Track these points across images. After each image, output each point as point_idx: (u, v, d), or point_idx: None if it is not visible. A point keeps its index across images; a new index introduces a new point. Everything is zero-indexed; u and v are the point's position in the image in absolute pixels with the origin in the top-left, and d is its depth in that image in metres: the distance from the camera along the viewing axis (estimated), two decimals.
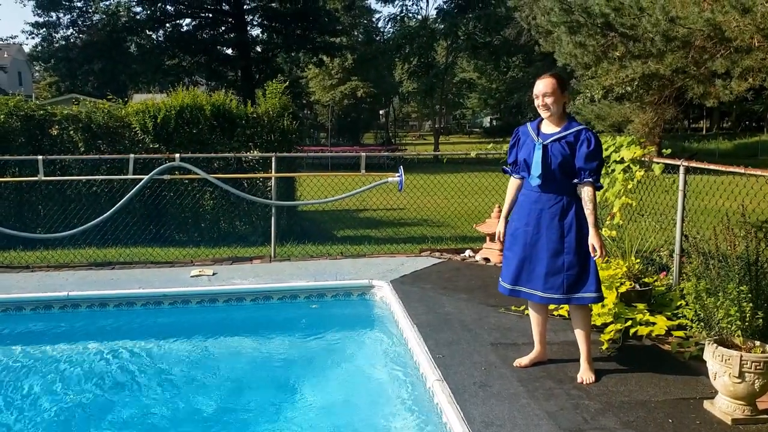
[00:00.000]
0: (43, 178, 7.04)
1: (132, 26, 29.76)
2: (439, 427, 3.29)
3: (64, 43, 31.11)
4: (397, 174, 6.80)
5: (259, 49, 32.35)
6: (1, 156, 7.43)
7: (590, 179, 3.46)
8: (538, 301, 3.65)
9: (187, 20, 30.89)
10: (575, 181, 3.51)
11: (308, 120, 39.39)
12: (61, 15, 30.52)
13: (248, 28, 30.84)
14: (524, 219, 3.60)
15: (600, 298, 3.56)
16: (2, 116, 8.19)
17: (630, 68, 8.06)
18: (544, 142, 3.52)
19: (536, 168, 3.51)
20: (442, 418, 3.29)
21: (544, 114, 3.56)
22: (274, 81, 9.43)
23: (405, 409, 3.66)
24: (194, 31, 30.65)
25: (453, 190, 8.44)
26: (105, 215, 6.86)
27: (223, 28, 30.83)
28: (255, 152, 8.70)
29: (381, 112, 47.78)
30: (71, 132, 8.50)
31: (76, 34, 31.42)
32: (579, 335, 3.63)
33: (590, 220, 3.48)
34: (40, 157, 6.90)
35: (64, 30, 31.30)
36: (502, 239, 3.86)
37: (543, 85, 3.51)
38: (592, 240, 3.45)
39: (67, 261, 6.97)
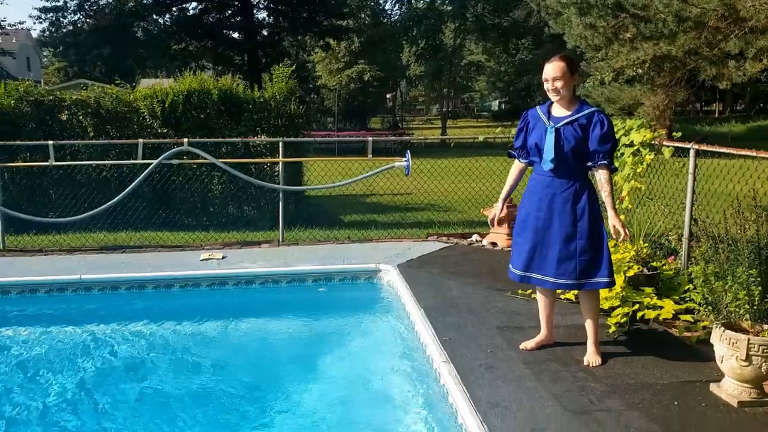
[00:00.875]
0: (54, 163, 7.09)
1: (138, 10, 29.73)
2: (445, 408, 3.32)
3: (71, 28, 31.17)
4: (404, 158, 6.80)
5: (265, 33, 32.19)
6: (13, 141, 7.49)
7: (605, 162, 3.43)
8: (550, 288, 3.65)
9: (193, 4, 30.81)
10: (589, 164, 3.49)
11: (315, 104, 39.23)
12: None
13: (254, 11, 30.69)
14: (535, 204, 3.58)
15: (612, 283, 3.56)
16: (12, 102, 8.24)
17: (641, 50, 7.99)
18: (556, 126, 3.49)
19: (549, 152, 3.48)
20: (448, 400, 3.32)
21: (554, 98, 3.53)
22: (280, 65, 9.41)
23: (411, 389, 3.70)
24: (200, 15, 30.52)
25: (460, 175, 8.43)
26: (115, 200, 6.91)
27: (229, 11, 30.68)
28: (262, 137, 8.70)
29: (388, 96, 47.53)
30: (80, 117, 8.55)
31: (83, 19, 31.47)
32: (588, 319, 3.64)
33: (608, 202, 3.46)
34: (50, 142, 6.95)
35: (72, 15, 31.34)
36: (497, 223, 3.87)
37: (552, 69, 3.46)
38: (614, 222, 3.42)
39: (78, 245, 7.04)
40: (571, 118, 3.48)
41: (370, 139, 7.37)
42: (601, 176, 3.47)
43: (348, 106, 43.63)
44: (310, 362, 4.22)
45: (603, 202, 3.55)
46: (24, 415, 3.51)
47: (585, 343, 3.67)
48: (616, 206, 5.08)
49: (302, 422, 3.42)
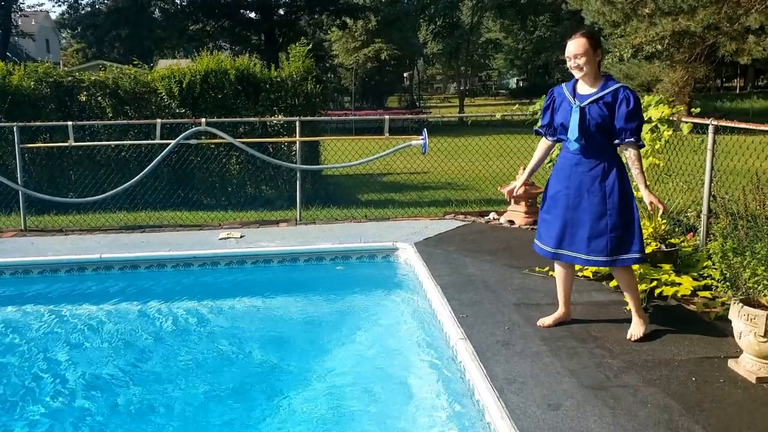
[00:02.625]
0: (74, 144, 7.18)
1: None
2: (461, 384, 3.36)
3: (89, 9, 31.30)
4: (421, 137, 6.78)
5: (282, 12, 32.04)
6: (33, 122, 7.59)
7: (632, 139, 3.40)
8: (583, 264, 3.66)
9: None
10: (616, 141, 3.45)
11: (332, 84, 39.10)
12: None
13: None
14: (564, 182, 3.56)
15: (644, 259, 3.56)
16: (32, 83, 8.33)
17: (660, 25, 7.84)
18: (582, 105, 3.45)
19: (573, 132, 3.46)
20: (465, 376, 3.36)
21: (577, 75, 3.49)
22: (297, 44, 9.39)
23: (428, 366, 3.73)
24: None
25: (477, 153, 8.39)
26: (134, 180, 7.00)
27: None
28: (279, 116, 8.72)
29: (405, 74, 47.14)
30: (99, 98, 8.62)
31: (101, 0, 31.56)
32: (627, 293, 3.66)
33: (640, 180, 3.44)
34: (69, 123, 7.03)
35: None
36: (514, 201, 3.84)
37: (574, 46, 3.42)
38: (650, 199, 3.42)
39: (98, 225, 7.16)
40: (596, 96, 3.44)
41: (387, 117, 7.35)
42: (630, 153, 3.45)
43: (365, 85, 43.41)
44: (325, 339, 4.27)
45: (634, 180, 3.52)
46: (47, 390, 3.61)
47: (601, 321, 3.69)
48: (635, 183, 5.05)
49: (318, 397, 3.48)
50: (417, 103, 44.24)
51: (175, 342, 4.27)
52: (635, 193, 3.58)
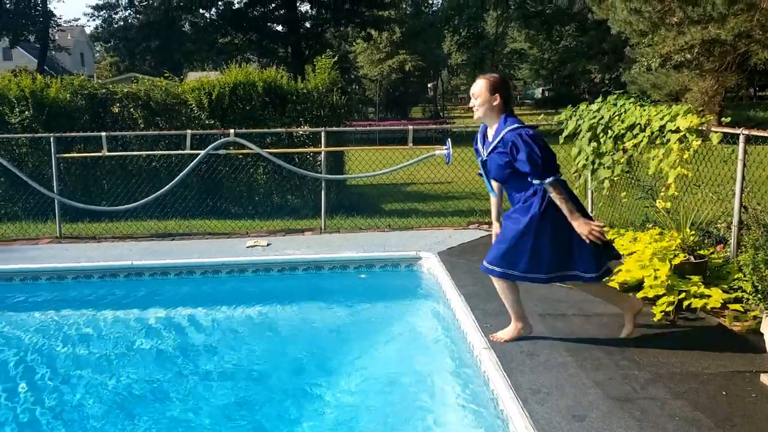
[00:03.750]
0: (107, 154, 7.37)
1: (186, 5, 30.36)
2: (486, 394, 3.35)
3: (122, 23, 32.19)
4: (445, 147, 6.80)
5: (308, 24, 32.45)
6: (69, 133, 7.81)
7: (538, 181, 3.32)
8: (545, 282, 3.61)
9: None
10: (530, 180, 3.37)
11: (356, 95, 39.38)
12: None
13: (297, 4, 30.94)
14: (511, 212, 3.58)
15: (595, 278, 3.49)
16: (68, 95, 8.56)
17: (688, 34, 7.75)
18: (485, 157, 3.51)
19: (487, 185, 3.64)
20: (489, 386, 3.35)
21: (474, 116, 3.50)
22: (323, 56, 9.50)
23: (451, 375, 3.73)
24: (245, 8, 30.97)
25: None
26: (164, 189, 7.14)
27: (273, 5, 30.99)
28: (305, 127, 8.82)
29: (429, 85, 47.26)
30: (131, 109, 8.82)
31: (133, 15, 32.47)
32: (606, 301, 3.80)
33: (565, 209, 3.31)
34: (103, 133, 7.23)
35: (123, 11, 32.42)
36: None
37: (473, 86, 3.45)
38: (580, 229, 3.30)
39: (130, 232, 7.31)
40: (493, 144, 3.42)
41: (411, 127, 7.39)
42: (547, 190, 3.34)
43: (389, 96, 43.62)
44: (347, 346, 4.30)
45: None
46: (84, 389, 3.71)
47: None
48: (664, 194, 5.01)
49: (338, 405, 3.50)
50: (441, 113, 44.27)
51: (201, 344, 4.35)
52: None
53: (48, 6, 31.67)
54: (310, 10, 33.03)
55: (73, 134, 7.86)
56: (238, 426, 3.34)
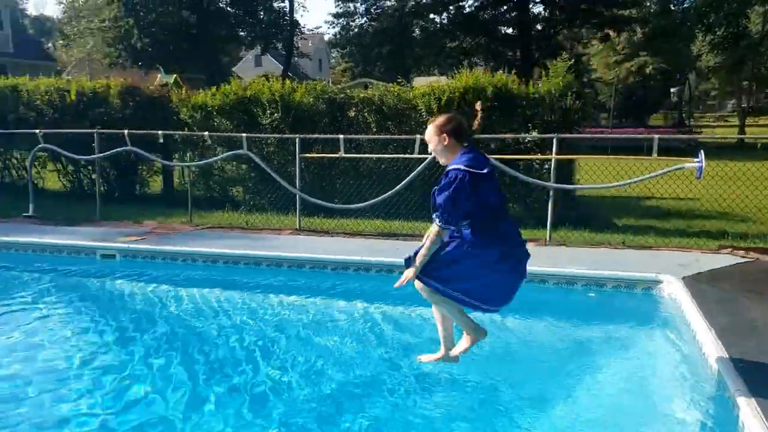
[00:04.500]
0: (344, 155, 7.89)
1: (418, 10, 31.69)
2: None
3: (357, 30, 34.89)
4: (697, 159, 6.00)
5: (539, 27, 31.65)
6: (311, 134, 8.52)
7: (434, 214, 3.25)
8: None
9: (470, 1, 31.65)
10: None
11: (590, 100, 37.41)
12: (358, 4, 34.24)
13: (530, 5, 30.35)
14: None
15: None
16: (311, 99, 9.35)
17: None
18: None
19: None
20: None
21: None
22: (557, 59, 9.08)
23: (699, 419, 3.25)
24: (476, 12, 31.26)
25: (762, 180, 7.17)
26: (392, 191, 7.42)
27: (504, 7, 30.84)
28: (534, 133, 8.49)
29: (672, 90, 42.95)
30: (366, 113, 9.34)
31: (368, 22, 34.93)
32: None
33: (422, 252, 3.28)
34: (341, 136, 7.75)
35: (360, 18, 35.15)
36: None
37: (425, 133, 3.43)
38: (405, 272, 3.30)
39: (359, 230, 7.74)
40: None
41: (656, 137, 6.64)
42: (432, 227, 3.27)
43: (624, 101, 40.72)
44: (574, 369, 3.97)
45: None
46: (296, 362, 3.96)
47: None
48: None
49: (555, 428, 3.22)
50: (687, 122, 39.99)
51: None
52: None
53: (294, 16, 35.46)
54: (543, 12, 32.22)
55: (315, 135, 8.55)
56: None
